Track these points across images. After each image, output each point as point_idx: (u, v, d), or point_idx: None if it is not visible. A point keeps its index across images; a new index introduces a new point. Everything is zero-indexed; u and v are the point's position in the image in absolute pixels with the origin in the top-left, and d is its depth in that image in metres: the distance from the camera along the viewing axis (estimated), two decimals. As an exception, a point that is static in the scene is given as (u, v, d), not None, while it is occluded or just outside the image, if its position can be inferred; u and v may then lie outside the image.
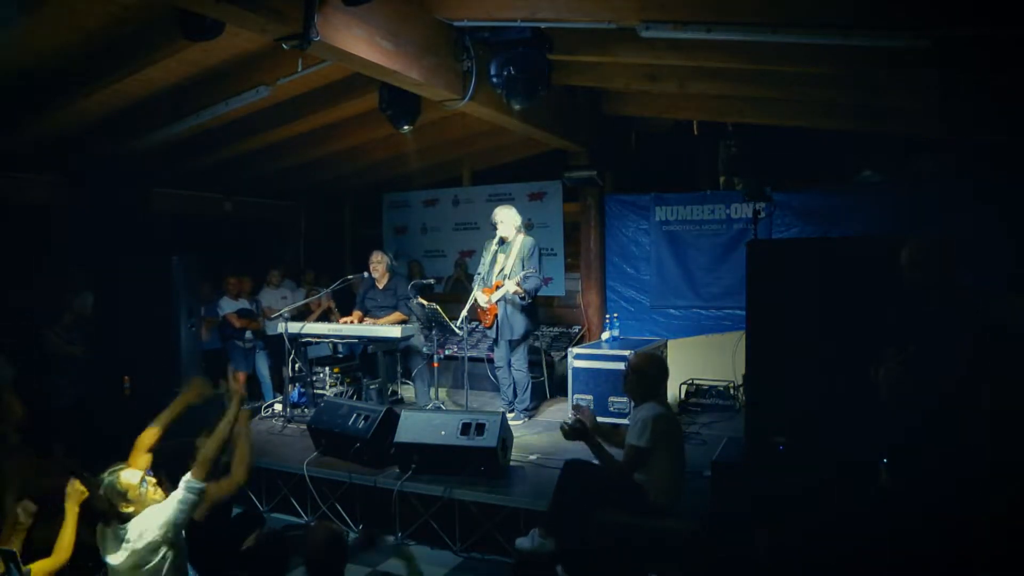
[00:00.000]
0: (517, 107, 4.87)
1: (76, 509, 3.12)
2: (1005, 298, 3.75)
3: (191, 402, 3.78)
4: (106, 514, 3.08)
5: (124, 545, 3.02)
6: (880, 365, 2.78)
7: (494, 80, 4.80)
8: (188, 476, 3.13)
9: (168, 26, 4.18)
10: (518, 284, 5.82)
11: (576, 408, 4.63)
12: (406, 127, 5.61)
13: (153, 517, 3.06)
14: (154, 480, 3.27)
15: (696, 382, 6.80)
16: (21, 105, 5.24)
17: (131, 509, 3.07)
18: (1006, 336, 2.75)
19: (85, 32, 4.40)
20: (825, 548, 2.95)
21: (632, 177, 8.02)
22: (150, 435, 3.59)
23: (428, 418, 4.93)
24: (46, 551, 3.09)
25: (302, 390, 6.55)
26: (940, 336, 2.64)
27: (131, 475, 3.12)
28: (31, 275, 6.58)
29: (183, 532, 3.17)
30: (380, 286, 6.67)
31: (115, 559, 3.03)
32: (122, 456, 3.43)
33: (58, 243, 6.76)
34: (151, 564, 3.03)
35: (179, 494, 3.10)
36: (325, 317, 7.69)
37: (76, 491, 3.12)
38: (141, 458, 3.49)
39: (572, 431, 3.84)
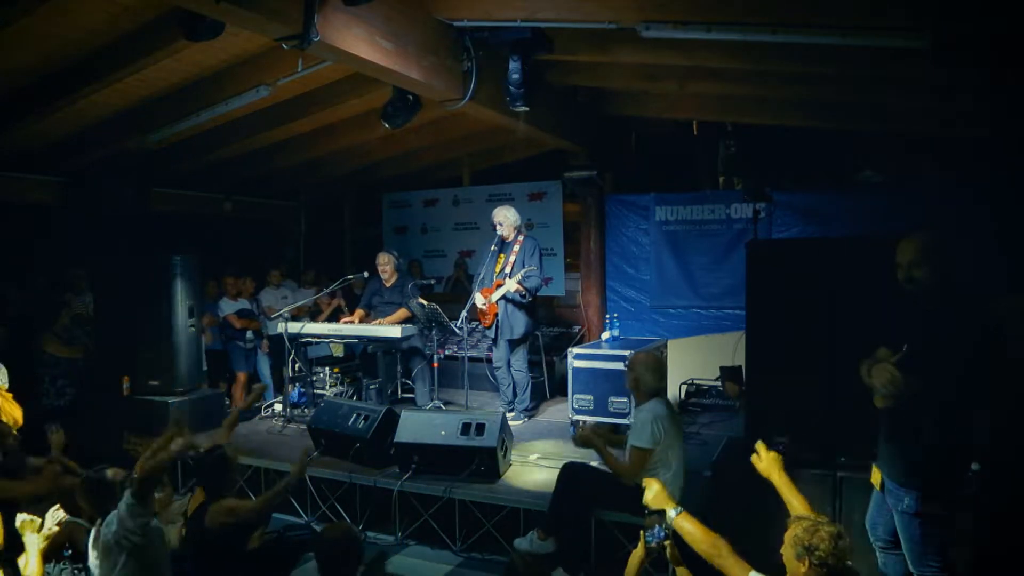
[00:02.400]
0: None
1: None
2: (1003, 298, 3.75)
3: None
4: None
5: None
6: (872, 365, 2.77)
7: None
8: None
9: (168, 26, 4.18)
10: (519, 283, 5.84)
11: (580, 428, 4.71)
12: (387, 126, 5.53)
13: None
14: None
15: (696, 382, 6.79)
16: (21, 105, 5.24)
17: None
18: (1004, 336, 2.74)
19: (85, 32, 4.40)
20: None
21: (632, 177, 8.01)
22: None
23: (428, 418, 4.92)
24: None
25: (302, 390, 6.55)
26: (939, 336, 2.63)
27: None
28: (30, 275, 6.59)
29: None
30: (388, 284, 6.70)
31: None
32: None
33: (58, 243, 6.76)
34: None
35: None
36: (335, 315, 7.72)
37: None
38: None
39: (582, 438, 3.97)
